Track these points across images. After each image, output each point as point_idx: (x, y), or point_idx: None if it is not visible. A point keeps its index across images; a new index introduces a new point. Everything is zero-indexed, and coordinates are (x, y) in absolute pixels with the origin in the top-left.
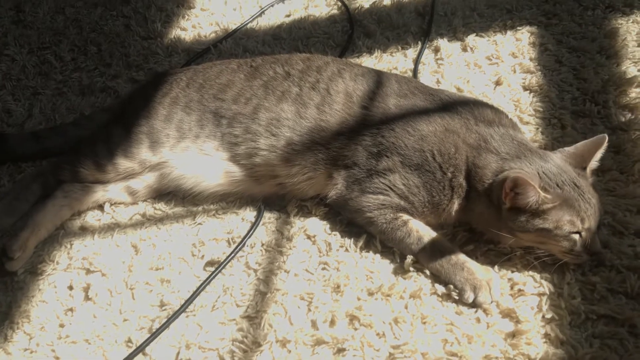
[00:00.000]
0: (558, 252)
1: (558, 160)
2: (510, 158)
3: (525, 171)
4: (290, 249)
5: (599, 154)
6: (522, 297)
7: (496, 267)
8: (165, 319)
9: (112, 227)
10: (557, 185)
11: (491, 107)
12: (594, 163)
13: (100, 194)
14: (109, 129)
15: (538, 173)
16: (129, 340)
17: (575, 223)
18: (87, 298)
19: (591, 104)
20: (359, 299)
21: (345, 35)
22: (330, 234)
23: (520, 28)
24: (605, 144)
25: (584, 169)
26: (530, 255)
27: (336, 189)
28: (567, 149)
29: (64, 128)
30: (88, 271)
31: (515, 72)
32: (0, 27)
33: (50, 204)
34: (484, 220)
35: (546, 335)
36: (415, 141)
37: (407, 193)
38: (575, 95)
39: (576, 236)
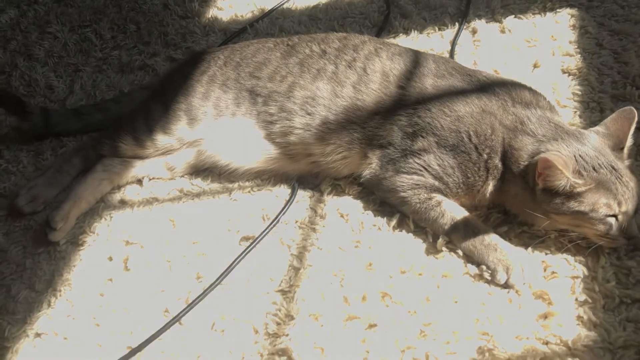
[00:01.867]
0: (593, 236)
1: (596, 142)
2: (546, 140)
3: (562, 153)
4: (324, 226)
5: (632, 130)
6: (555, 279)
7: (530, 249)
8: (201, 291)
9: (150, 202)
10: (594, 168)
11: (529, 88)
12: (629, 140)
13: (139, 168)
14: (148, 105)
15: (574, 156)
16: (166, 310)
17: (611, 206)
18: (126, 269)
19: (632, 87)
20: (390, 277)
21: (381, 16)
22: (363, 213)
23: (560, 10)
24: (636, 117)
25: (621, 149)
26: (564, 238)
27: (370, 168)
28: (599, 129)
29: (105, 105)
30: (127, 243)
31: (554, 54)
32: (43, 6)
33: (91, 178)
34: (519, 202)
35: (579, 317)
36: (451, 122)
37: (441, 174)
38: (615, 79)
39: (612, 219)
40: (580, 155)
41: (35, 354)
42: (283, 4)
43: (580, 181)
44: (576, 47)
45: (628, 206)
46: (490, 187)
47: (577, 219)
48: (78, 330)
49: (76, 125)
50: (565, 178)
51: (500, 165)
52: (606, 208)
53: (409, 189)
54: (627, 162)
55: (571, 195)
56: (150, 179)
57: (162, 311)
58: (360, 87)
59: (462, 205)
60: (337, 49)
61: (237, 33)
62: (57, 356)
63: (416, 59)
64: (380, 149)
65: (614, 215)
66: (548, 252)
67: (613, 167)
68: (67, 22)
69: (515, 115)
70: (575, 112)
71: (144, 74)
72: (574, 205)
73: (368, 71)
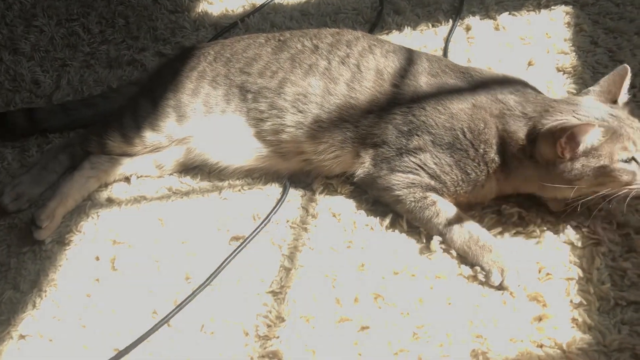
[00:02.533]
0: (620, 188)
1: (587, 100)
2: (538, 115)
3: (564, 119)
4: (315, 226)
5: (625, 85)
6: (550, 281)
7: (525, 250)
8: (190, 292)
9: (138, 200)
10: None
11: (521, 80)
12: (623, 96)
13: (127, 166)
14: (136, 102)
15: (574, 116)
16: (154, 312)
17: (628, 147)
18: (113, 269)
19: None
20: (383, 278)
21: (374, 12)
22: (355, 213)
23: (554, 7)
24: (629, 74)
25: (615, 102)
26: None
27: (364, 167)
28: (591, 88)
29: (93, 100)
30: (114, 242)
31: (548, 52)
32: None
33: (78, 175)
34: (536, 183)
35: (574, 320)
36: (445, 119)
37: (438, 172)
38: None
39: (634, 165)
40: (576, 115)
41: (20, 356)
42: None
43: (603, 128)
44: (571, 45)
45: None
46: (493, 180)
47: (600, 176)
48: (64, 331)
49: (63, 121)
50: (596, 132)
51: (497, 158)
52: (624, 152)
53: (404, 188)
54: (625, 110)
55: (589, 154)
56: (138, 177)
57: (150, 312)
58: (354, 84)
59: (459, 204)
60: (329, 45)
61: (227, 28)
62: (42, 358)
63: (410, 57)
64: (373, 148)
65: (633, 159)
66: (543, 253)
67: (612, 115)
68: (54, 16)
69: (502, 102)
70: None
71: (133, 69)
72: (594, 162)
73: (362, 68)
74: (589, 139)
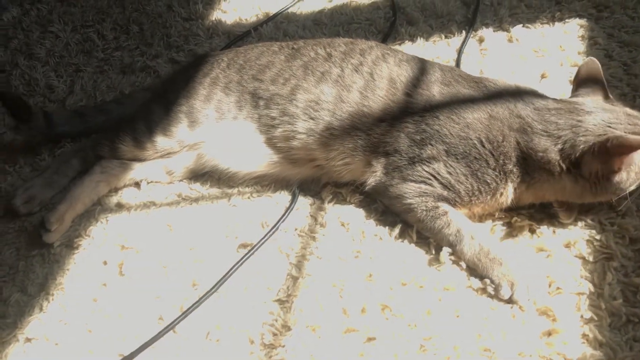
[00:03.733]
0: None
1: (597, 104)
2: (569, 133)
3: (607, 133)
4: (324, 235)
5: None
6: (560, 295)
7: (535, 264)
8: (197, 299)
9: (147, 205)
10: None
11: (534, 90)
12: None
13: (138, 171)
14: (149, 107)
15: (607, 126)
16: (160, 318)
17: None
18: (121, 274)
19: None
20: (391, 289)
21: (387, 22)
22: (364, 222)
23: (569, 20)
24: (598, 63)
25: (607, 96)
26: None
27: (375, 176)
28: (584, 90)
29: (107, 106)
30: (123, 247)
31: (562, 65)
32: (45, 5)
33: (88, 179)
34: (569, 195)
35: (584, 335)
36: (460, 129)
37: (452, 182)
38: (624, 92)
39: None
40: (606, 123)
41: (25, 359)
42: (288, 8)
43: None
44: (585, 58)
45: None
46: (510, 189)
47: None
48: (70, 335)
49: (78, 127)
50: None
51: (515, 169)
52: None
53: (415, 197)
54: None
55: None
56: (148, 183)
57: (156, 318)
58: (367, 92)
59: (474, 214)
60: (343, 53)
61: (240, 37)
62: None
63: (423, 66)
64: (385, 156)
65: None
66: (554, 267)
67: (628, 114)
68: (69, 22)
69: (521, 118)
70: None
71: (146, 75)
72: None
73: (375, 77)
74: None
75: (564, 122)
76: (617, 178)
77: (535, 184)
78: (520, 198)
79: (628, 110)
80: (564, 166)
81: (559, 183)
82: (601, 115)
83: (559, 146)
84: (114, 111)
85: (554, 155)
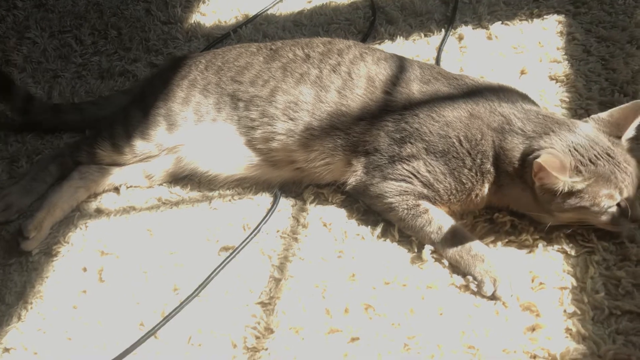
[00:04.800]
0: (599, 224)
1: (589, 130)
2: (537, 135)
3: (556, 150)
4: (306, 236)
5: (636, 122)
6: (543, 290)
7: (517, 259)
8: (178, 303)
9: (127, 210)
10: (591, 161)
11: (515, 90)
12: (630, 132)
13: (117, 176)
14: (127, 111)
15: (570, 150)
16: (141, 323)
17: (613, 196)
18: (100, 280)
19: (620, 94)
20: (374, 288)
21: (367, 22)
22: (346, 222)
23: (547, 16)
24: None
25: (619, 137)
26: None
27: (355, 175)
28: (601, 115)
29: (83, 106)
30: (102, 253)
31: (541, 61)
32: (22, 11)
33: (67, 185)
34: (521, 204)
35: (567, 330)
36: (440, 127)
37: (432, 180)
38: (603, 86)
39: (615, 209)
40: (575, 148)
41: None
42: (267, 9)
43: (578, 179)
44: (563, 53)
45: (629, 191)
46: (486, 190)
47: (580, 213)
48: (49, 344)
49: (51, 121)
50: (562, 182)
51: (492, 169)
52: (608, 199)
53: (396, 195)
54: (626, 147)
55: (571, 192)
56: (127, 187)
57: (137, 324)
58: (345, 92)
59: (452, 213)
60: (321, 53)
61: (220, 39)
62: None
63: (402, 64)
64: (365, 155)
65: (618, 204)
66: (536, 262)
67: (609, 155)
68: (47, 28)
69: (502, 115)
70: None
71: (124, 80)
72: (575, 201)
73: (353, 76)
74: (561, 186)
75: (542, 128)
76: (539, 195)
77: (502, 188)
78: (492, 201)
79: (623, 156)
80: (518, 170)
81: (515, 189)
82: (578, 139)
83: (523, 147)
84: (89, 111)
85: (516, 154)
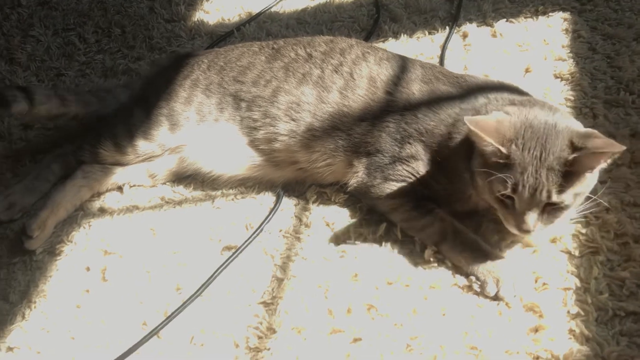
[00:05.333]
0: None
1: (556, 119)
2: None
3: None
4: (309, 235)
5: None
6: (547, 291)
7: (521, 259)
8: (181, 303)
9: (130, 210)
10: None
11: (517, 88)
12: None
13: (120, 175)
14: (129, 110)
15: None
16: (144, 323)
17: (506, 185)
18: (103, 279)
19: (625, 93)
20: (377, 288)
21: (371, 20)
22: (349, 222)
23: (552, 14)
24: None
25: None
26: None
27: (357, 176)
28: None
29: (86, 97)
30: (106, 252)
31: (546, 59)
32: (26, 9)
33: (70, 184)
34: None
35: (571, 331)
36: (435, 126)
37: (431, 182)
38: (608, 84)
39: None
40: (525, 129)
41: None
42: (271, 7)
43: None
44: (569, 51)
45: (524, 194)
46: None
47: (480, 188)
48: (52, 343)
49: (56, 110)
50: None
51: None
52: (499, 184)
53: (398, 196)
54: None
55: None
56: (131, 186)
57: (140, 324)
58: (347, 92)
59: (454, 213)
60: (323, 53)
61: (223, 37)
62: None
63: (404, 64)
64: (367, 156)
65: (509, 197)
66: (539, 263)
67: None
68: (50, 26)
69: (476, 110)
70: None
71: (128, 78)
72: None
73: (355, 76)
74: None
75: (508, 102)
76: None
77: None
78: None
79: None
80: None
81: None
82: (534, 122)
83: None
84: (93, 104)
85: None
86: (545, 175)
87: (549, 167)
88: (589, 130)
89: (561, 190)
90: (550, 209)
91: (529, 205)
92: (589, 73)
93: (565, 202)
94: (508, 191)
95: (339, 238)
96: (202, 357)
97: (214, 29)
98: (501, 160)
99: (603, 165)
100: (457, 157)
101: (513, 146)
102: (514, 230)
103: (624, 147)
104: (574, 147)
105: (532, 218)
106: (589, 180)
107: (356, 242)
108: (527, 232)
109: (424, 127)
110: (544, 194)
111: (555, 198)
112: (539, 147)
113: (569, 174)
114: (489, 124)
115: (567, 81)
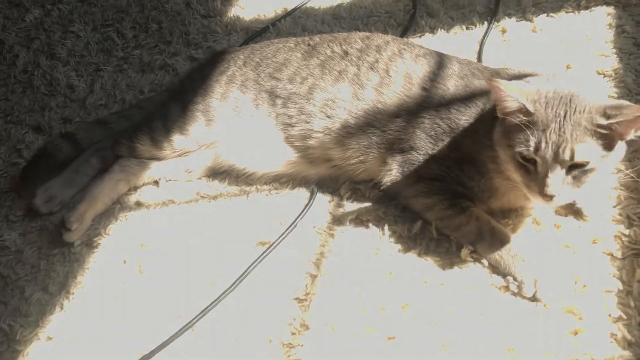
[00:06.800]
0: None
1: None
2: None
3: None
4: (342, 232)
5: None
6: (587, 293)
7: (560, 260)
8: (215, 297)
9: (166, 204)
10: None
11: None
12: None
13: (156, 170)
14: (166, 106)
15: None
16: (179, 316)
17: (528, 144)
18: (140, 272)
19: None
20: (411, 287)
21: (407, 15)
22: (383, 219)
23: (595, 8)
24: None
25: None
26: None
27: (390, 175)
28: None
29: (129, 112)
30: (142, 245)
31: (588, 55)
32: (66, 5)
33: (108, 178)
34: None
35: (612, 335)
36: (466, 121)
37: (465, 179)
38: None
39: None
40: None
41: (47, 357)
42: (306, 3)
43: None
44: (612, 47)
45: (547, 152)
46: None
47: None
48: (89, 334)
49: (103, 135)
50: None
51: None
52: (522, 144)
53: (433, 195)
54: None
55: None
56: (167, 181)
57: (175, 317)
58: (382, 89)
59: (490, 211)
60: (359, 50)
61: (259, 32)
62: None
63: (440, 60)
64: (401, 153)
65: (532, 159)
66: (579, 264)
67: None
68: (90, 22)
69: None
70: None
71: (165, 73)
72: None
73: (391, 73)
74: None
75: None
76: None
77: None
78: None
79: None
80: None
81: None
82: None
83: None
84: (135, 116)
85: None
86: (570, 133)
87: (574, 124)
88: (620, 100)
89: (586, 149)
90: (576, 173)
91: (552, 166)
92: (634, 69)
93: (592, 163)
94: (530, 150)
95: (373, 235)
96: (235, 352)
97: (250, 24)
98: (524, 119)
99: (631, 135)
100: (485, 148)
101: (536, 104)
102: (537, 200)
103: None
104: (607, 115)
105: (555, 180)
106: (618, 150)
107: (390, 239)
108: (551, 197)
109: (456, 123)
110: (567, 152)
111: (579, 156)
112: (562, 107)
113: (600, 137)
114: (512, 83)
115: (610, 78)
